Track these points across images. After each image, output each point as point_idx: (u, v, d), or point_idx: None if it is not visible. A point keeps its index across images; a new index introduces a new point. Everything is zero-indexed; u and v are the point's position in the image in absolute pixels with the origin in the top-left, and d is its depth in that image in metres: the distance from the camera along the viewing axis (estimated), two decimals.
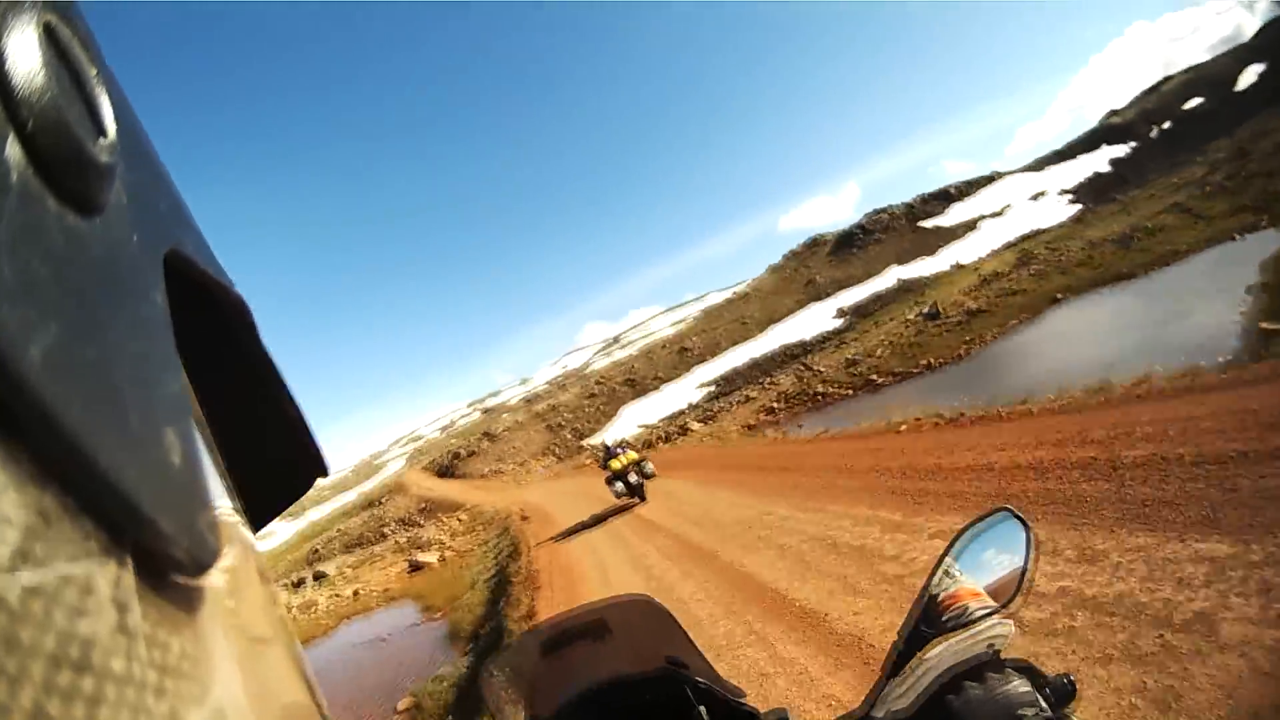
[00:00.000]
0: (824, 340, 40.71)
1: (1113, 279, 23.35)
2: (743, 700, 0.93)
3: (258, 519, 0.34)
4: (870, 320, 39.55)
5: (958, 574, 0.84)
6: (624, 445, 12.57)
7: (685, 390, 44.02)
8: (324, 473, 0.42)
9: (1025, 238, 44.19)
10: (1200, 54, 68.38)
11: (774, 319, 53.63)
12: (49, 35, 0.17)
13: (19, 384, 0.13)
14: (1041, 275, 27.85)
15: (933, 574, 0.83)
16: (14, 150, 0.15)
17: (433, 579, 15.99)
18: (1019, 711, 0.72)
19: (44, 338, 0.14)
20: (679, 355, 55.42)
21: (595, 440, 38.45)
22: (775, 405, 26.81)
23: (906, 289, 42.85)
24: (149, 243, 0.21)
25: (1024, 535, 0.86)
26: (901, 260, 52.75)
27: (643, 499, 11.77)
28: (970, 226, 55.17)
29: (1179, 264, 21.44)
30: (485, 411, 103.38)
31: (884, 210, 64.15)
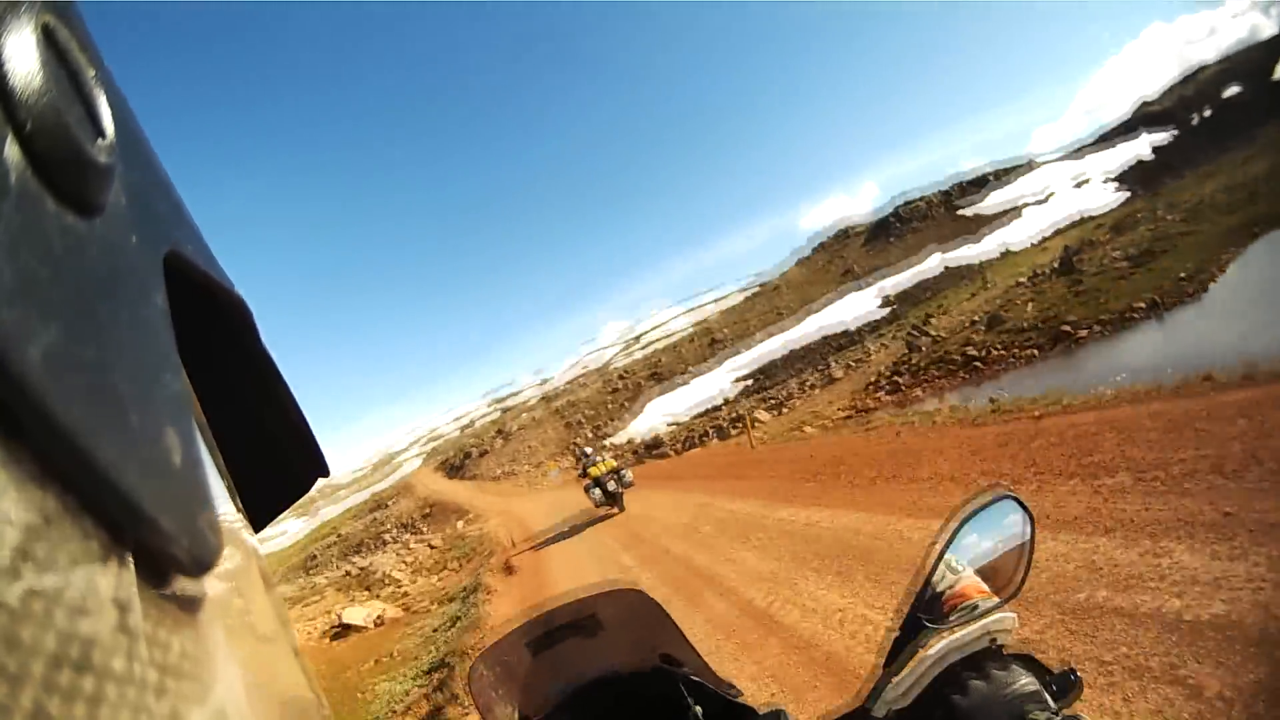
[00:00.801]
0: (874, 327, 37.68)
1: None
2: (738, 697, 0.90)
3: (259, 520, 0.37)
4: (931, 303, 36.46)
5: (955, 562, 0.81)
6: (601, 452, 13.02)
7: (717, 381, 41.07)
8: (324, 473, 0.42)
9: (1079, 222, 41.92)
10: (1218, 55, 68.76)
11: (810, 307, 50.93)
12: (47, 36, 0.17)
13: (19, 384, 0.14)
14: (1197, 217, 24.44)
15: (930, 561, 0.79)
16: (13, 151, 0.15)
17: (349, 666, 10.02)
18: (1026, 709, 0.68)
19: (44, 338, 0.14)
20: (708, 345, 52.81)
21: (620, 438, 35.53)
22: (898, 379, 20.86)
23: (958, 274, 40.21)
24: (149, 244, 0.21)
25: (1024, 520, 0.84)
26: (943, 246, 50.58)
27: (621, 508, 11.89)
28: (1013, 212, 53.43)
29: None
30: (505, 410, 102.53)
31: (919, 199, 63.03)
